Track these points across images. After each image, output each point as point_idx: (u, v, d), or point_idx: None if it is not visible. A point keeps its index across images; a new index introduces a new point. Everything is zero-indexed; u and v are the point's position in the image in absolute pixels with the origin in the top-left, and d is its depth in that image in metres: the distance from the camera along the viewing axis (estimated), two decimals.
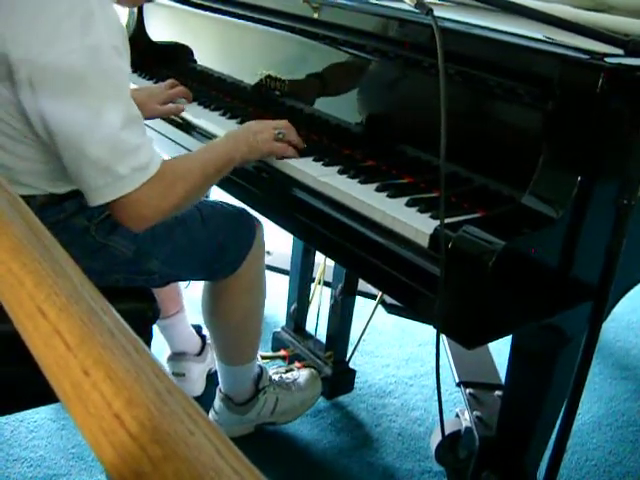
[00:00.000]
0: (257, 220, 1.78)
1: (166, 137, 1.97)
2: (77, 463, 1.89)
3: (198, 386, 2.21)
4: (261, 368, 2.04)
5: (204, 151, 1.54)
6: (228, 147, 1.53)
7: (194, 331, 2.25)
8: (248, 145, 1.54)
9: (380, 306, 2.55)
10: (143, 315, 1.58)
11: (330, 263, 2.27)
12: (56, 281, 0.51)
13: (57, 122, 1.28)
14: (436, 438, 1.99)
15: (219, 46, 2.18)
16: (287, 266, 2.48)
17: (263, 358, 2.23)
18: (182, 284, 2.40)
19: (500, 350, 2.25)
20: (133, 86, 1.97)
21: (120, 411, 0.40)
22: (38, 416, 2.05)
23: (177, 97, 2.01)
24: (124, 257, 1.56)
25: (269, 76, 1.88)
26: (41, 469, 1.86)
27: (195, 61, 2.22)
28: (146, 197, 1.34)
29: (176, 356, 2.19)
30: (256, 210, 1.73)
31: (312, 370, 2.18)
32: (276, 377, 2.11)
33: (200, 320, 2.29)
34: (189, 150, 1.83)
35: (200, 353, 2.23)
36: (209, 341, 2.24)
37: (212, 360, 2.25)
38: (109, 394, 0.41)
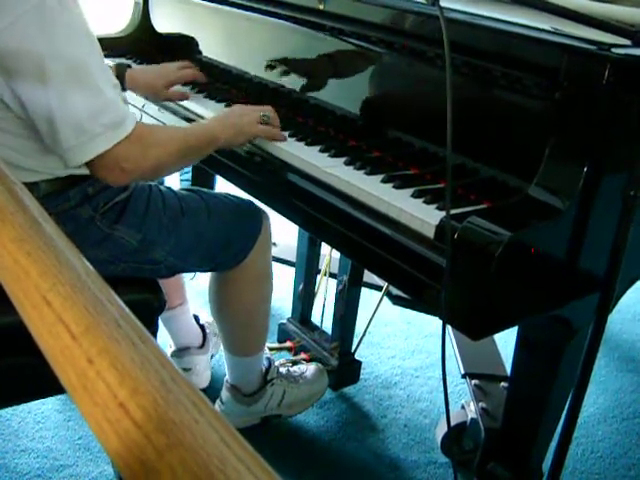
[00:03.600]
0: (263, 212, 1.78)
1: None
2: (83, 454, 1.90)
3: (205, 378, 2.22)
4: (269, 360, 2.05)
5: (189, 126, 1.62)
6: (214, 127, 1.59)
7: (195, 323, 2.25)
8: (234, 128, 1.60)
9: (386, 297, 2.55)
10: (149, 306, 1.58)
11: (336, 255, 2.27)
12: (61, 270, 0.51)
13: (27, 98, 1.32)
14: (442, 429, 1.99)
15: (224, 37, 2.17)
16: (293, 257, 2.49)
17: (269, 349, 2.22)
18: (187, 276, 2.40)
19: (506, 341, 2.25)
20: (139, 67, 1.97)
21: (125, 400, 0.40)
22: (45, 407, 2.06)
23: (188, 79, 2.01)
24: (130, 247, 1.56)
25: (275, 67, 1.88)
26: (48, 460, 1.87)
27: (200, 52, 2.22)
28: (125, 153, 1.39)
29: (180, 352, 2.19)
30: (262, 201, 1.73)
31: (319, 365, 2.18)
32: (284, 370, 2.11)
33: (200, 311, 2.30)
34: None
35: (203, 345, 2.23)
36: (208, 330, 2.25)
37: (213, 346, 2.26)
38: (114, 383, 0.41)
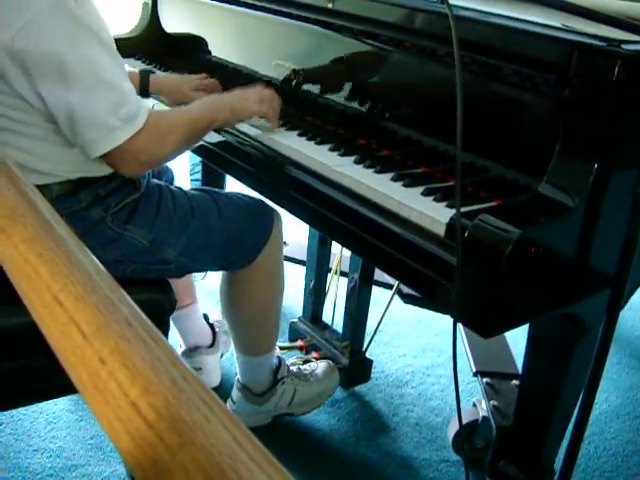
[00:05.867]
0: (275, 211, 1.78)
1: None
2: (96, 453, 1.90)
3: (215, 377, 2.22)
4: (279, 359, 2.05)
5: (190, 110, 1.61)
6: (212, 109, 1.62)
7: (205, 322, 2.25)
8: (231, 110, 1.64)
9: (397, 296, 2.55)
10: (160, 305, 1.58)
11: (346, 253, 2.27)
12: (72, 271, 0.51)
13: (47, 94, 1.36)
14: (453, 428, 1.99)
15: (234, 37, 2.17)
16: (303, 256, 2.48)
17: (280, 349, 2.22)
18: (198, 275, 2.40)
19: (517, 339, 2.24)
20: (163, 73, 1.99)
21: (137, 399, 0.40)
22: (57, 407, 2.06)
23: (208, 87, 2.01)
24: (140, 247, 1.56)
25: (284, 66, 1.88)
26: (60, 459, 1.87)
27: (210, 52, 2.22)
28: (140, 145, 1.43)
29: (190, 352, 2.19)
30: (272, 201, 1.74)
31: (330, 362, 2.18)
32: (294, 368, 2.11)
33: (210, 310, 2.31)
34: (205, 141, 1.84)
35: (212, 344, 2.23)
36: (218, 329, 2.25)
37: (223, 344, 2.26)
38: (126, 382, 0.41)
